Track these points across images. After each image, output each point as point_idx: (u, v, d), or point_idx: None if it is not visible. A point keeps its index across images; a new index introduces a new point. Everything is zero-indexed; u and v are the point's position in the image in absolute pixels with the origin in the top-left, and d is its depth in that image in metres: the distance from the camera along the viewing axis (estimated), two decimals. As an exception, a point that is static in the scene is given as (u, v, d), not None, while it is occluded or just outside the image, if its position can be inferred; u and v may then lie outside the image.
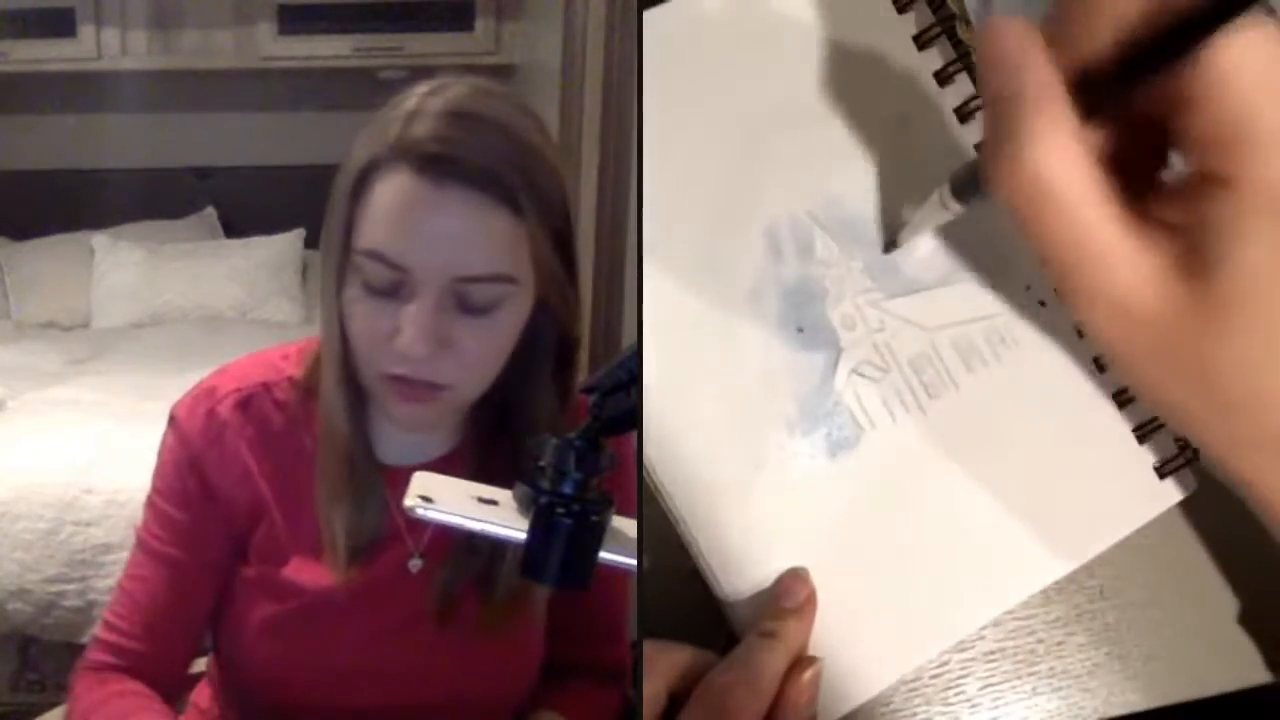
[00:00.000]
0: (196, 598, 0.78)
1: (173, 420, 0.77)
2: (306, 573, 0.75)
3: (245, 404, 0.76)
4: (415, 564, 0.77)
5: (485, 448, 0.76)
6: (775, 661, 0.56)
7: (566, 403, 0.76)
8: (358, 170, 0.67)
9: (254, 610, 0.76)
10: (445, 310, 0.66)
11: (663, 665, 0.57)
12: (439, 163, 0.65)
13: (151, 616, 0.78)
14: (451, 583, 0.76)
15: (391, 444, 0.76)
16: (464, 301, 0.67)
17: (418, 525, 0.76)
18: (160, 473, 0.78)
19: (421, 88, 0.69)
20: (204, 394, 0.77)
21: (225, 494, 0.76)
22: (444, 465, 0.75)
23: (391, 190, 0.66)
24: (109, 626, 0.78)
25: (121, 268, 2.67)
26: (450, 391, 0.70)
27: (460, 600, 0.76)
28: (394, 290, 0.66)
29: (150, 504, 0.78)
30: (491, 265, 0.66)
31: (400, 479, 0.56)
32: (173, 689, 0.81)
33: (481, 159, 0.65)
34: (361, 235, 0.67)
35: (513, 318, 0.69)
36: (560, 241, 0.70)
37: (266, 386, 0.77)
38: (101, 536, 1.73)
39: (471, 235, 0.66)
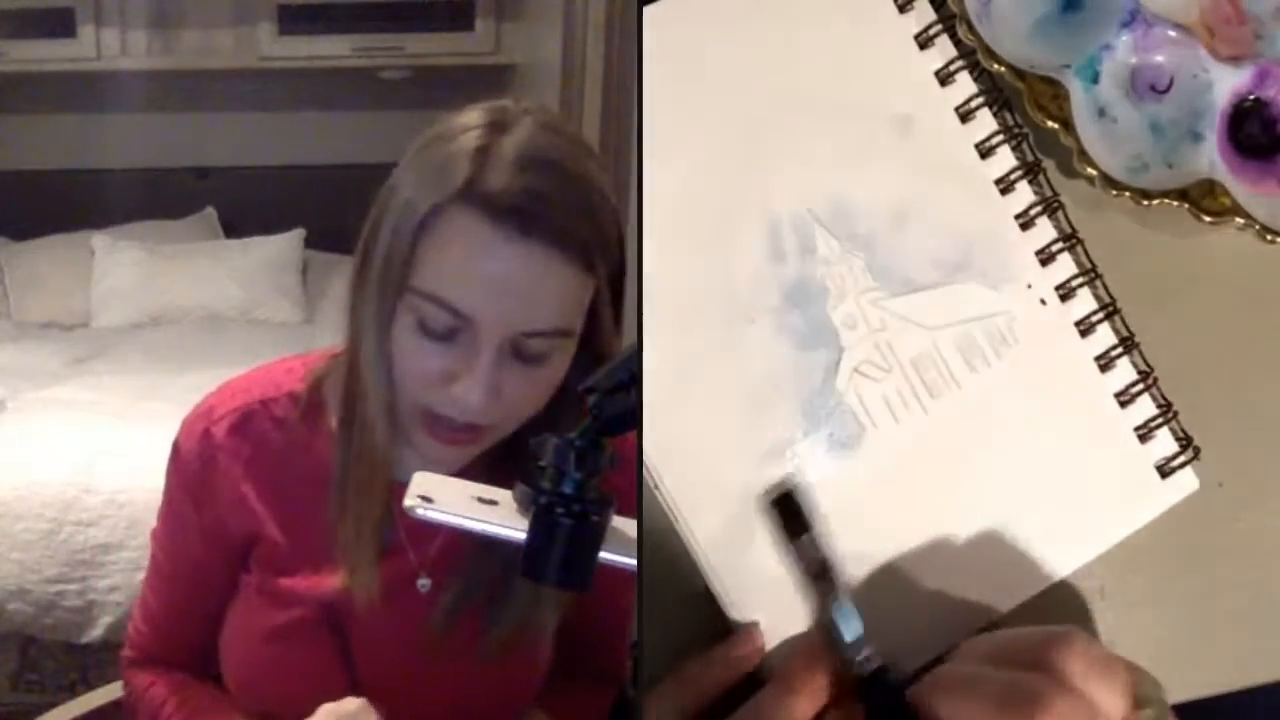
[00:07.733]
0: (202, 610, 0.80)
1: (175, 440, 0.78)
2: (308, 583, 0.75)
3: (240, 425, 0.76)
4: (424, 583, 0.76)
5: (496, 464, 0.75)
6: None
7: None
8: (423, 211, 0.64)
9: (256, 618, 0.76)
10: (504, 360, 0.66)
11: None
12: (520, 216, 0.63)
13: (166, 628, 0.83)
14: (456, 605, 0.75)
15: (402, 460, 0.75)
16: (519, 350, 0.66)
17: (422, 541, 0.75)
18: (164, 490, 0.80)
19: (474, 116, 0.66)
20: (203, 414, 0.77)
21: (216, 517, 0.76)
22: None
23: (464, 236, 0.63)
24: (135, 633, 0.84)
25: (121, 268, 2.67)
26: (490, 432, 0.69)
27: (464, 625, 0.76)
28: (450, 334, 0.65)
29: (158, 517, 0.81)
30: (557, 320, 0.66)
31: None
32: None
33: (563, 216, 0.64)
34: (423, 276, 0.65)
35: (561, 365, 0.69)
36: (615, 286, 0.69)
37: (265, 404, 0.76)
38: (101, 536, 1.73)
39: (544, 291, 0.65)
